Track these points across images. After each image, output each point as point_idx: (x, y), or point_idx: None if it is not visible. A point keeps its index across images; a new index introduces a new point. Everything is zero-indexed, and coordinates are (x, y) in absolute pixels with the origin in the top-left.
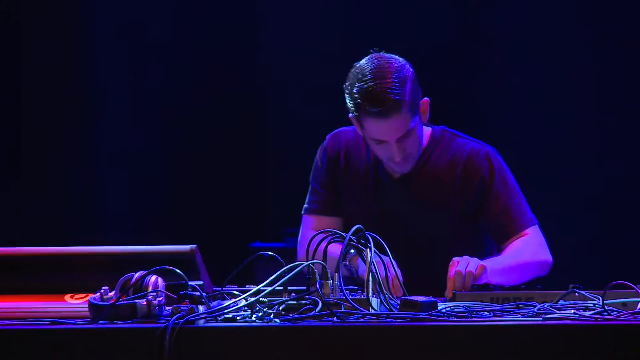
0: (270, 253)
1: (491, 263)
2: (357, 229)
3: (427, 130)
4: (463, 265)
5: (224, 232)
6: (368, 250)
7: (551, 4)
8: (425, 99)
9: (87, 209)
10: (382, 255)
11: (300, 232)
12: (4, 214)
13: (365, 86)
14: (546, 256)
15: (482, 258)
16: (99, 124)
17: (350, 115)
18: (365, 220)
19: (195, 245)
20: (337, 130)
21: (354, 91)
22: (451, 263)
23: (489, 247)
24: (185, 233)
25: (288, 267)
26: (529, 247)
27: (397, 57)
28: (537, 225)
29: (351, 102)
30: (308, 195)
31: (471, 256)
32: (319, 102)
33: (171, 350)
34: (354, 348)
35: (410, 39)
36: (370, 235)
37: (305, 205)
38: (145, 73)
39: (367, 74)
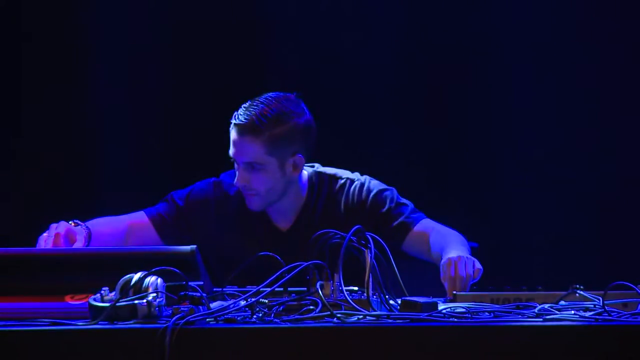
0: (270, 253)
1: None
2: (357, 229)
3: (305, 177)
4: (462, 268)
5: None
6: (368, 251)
7: (550, 4)
8: (299, 156)
9: (87, 209)
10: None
11: (124, 214)
12: (3, 214)
13: (251, 101)
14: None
15: None
16: (98, 123)
17: None
18: (250, 269)
19: (195, 246)
20: (222, 178)
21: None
22: (447, 262)
23: None
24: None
25: (288, 267)
26: (451, 231)
27: (305, 108)
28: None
29: None
30: (162, 204)
31: None
32: (320, 102)
33: (171, 350)
34: (354, 348)
35: (409, 38)
36: (371, 236)
37: (154, 211)
38: (145, 73)
39: (264, 96)
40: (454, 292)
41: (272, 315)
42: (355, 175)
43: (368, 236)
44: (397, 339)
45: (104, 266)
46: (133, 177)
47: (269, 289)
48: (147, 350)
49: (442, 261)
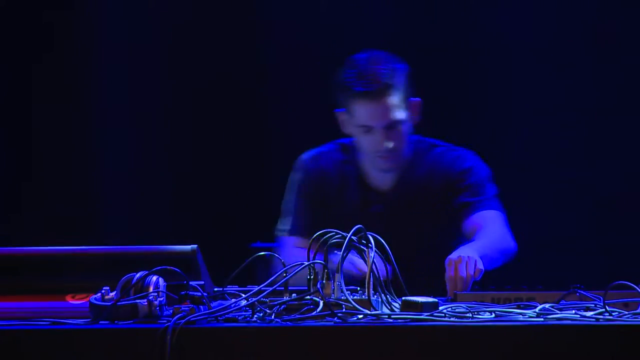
0: (270, 253)
1: (479, 249)
2: (357, 229)
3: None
4: (462, 268)
5: (224, 232)
6: (369, 249)
7: (551, 4)
8: (417, 99)
9: (87, 209)
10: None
11: (284, 252)
12: (4, 214)
13: (357, 70)
14: (512, 243)
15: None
16: (98, 123)
17: (337, 110)
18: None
19: (196, 245)
20: (312, 152)
21: (345, 76)
22: (448, 262)
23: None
24: (185, 233)
25: (289, 267)
26: (499, 233)
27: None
28: (502, 214)
29: (342, 88)
30: (292, 217)
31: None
32: (320, 102)
33: (172, 350)
34: (355, 348)
35: (409, 38)
36: (372, 236)
37: (288, 227)
38: (145, 73)
39: (360, 60)
40: (455, 291)
41: (273, 315)
42: (456, 147)
43: (369, 236)
44: (398, 339)
45: (105, 265)
46: (133, 176)
47: (269, 289)
48: (147, 350)
49: (445, 261)
